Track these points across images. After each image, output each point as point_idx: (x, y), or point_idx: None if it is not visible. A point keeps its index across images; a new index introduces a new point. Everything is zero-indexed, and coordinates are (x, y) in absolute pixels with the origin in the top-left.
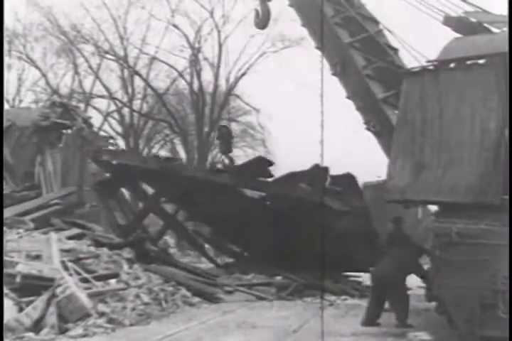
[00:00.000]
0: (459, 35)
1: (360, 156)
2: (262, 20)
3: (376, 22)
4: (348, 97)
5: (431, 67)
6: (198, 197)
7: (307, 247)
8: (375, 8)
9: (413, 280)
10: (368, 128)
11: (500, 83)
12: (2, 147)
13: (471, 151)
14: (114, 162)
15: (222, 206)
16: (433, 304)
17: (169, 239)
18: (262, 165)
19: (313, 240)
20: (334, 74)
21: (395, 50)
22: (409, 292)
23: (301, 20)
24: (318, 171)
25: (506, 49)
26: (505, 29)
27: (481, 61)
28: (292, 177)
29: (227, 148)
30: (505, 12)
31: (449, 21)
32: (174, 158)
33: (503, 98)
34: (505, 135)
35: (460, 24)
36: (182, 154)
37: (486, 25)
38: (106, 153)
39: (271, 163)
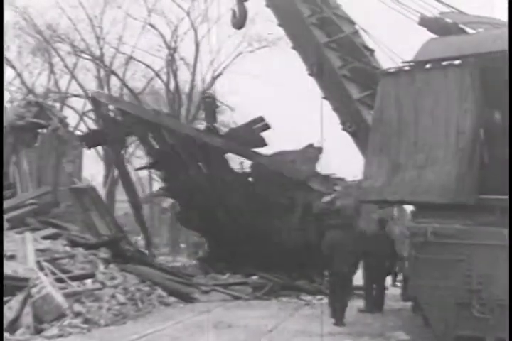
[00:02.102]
0: (434, 36)
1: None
2: (239, 20)
3: (352, 22)
4: (325, 98)
5: (407, 68)
6: (182, 160)
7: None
8: (351, 9)
9: (388, 280)
10: (344, 129)
11: (475, 84)
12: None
13: (447, 151)
14: (112, 107)
15: (203, 175)
16: (409, 304)
17: (140, 239)
18: (257, 128)
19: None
20: (311, 74)
21: (371, 50)
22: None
23: (277, 20)
24: (311, 151)
25: (482, 50)
26: (481, 30)
27: (457, 62)
28: (282, 155)
29: (211, 117)
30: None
31: (425, 22)
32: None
33: (478, 99)
34: (481, 135)
35: (436, 25)
36: None
37: (461, 26)
38: (104, 96)
39: (267, 127)
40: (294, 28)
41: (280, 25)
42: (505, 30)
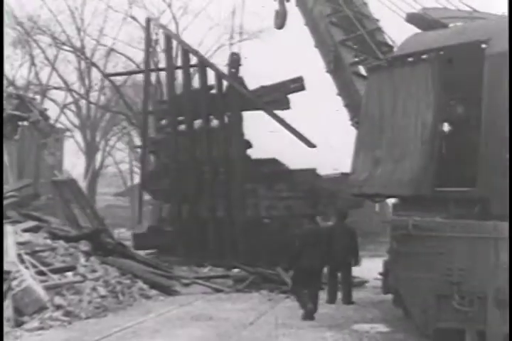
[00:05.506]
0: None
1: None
2: (281, 20)
3: (374, 20)
4: (338, 94)
5: (386, 64)
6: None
7: None
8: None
9: (369, 273)
10: (352, 125)
11: (437, 77)
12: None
13: (415, 145)
14: None
15: (206, 130)
16: (389, 296)
17: (126, 231)
18: (289, 87)
19: None
20: (328, 71)
21: (391, 47)
22: (366, 284)
23: (304, 19)
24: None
25: (447, 43)
26: (459, 24)
27: (424, 56)
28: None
29: (235, 73)
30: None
31: (412, 18)
32: None
33: (439, 92)
34: (442, 128)
35: (422, 21)
36: None
37: (444, 21)
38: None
39: (302, 88)
40: (316, 26)
41: (306, 24)
42: (481, 23)
